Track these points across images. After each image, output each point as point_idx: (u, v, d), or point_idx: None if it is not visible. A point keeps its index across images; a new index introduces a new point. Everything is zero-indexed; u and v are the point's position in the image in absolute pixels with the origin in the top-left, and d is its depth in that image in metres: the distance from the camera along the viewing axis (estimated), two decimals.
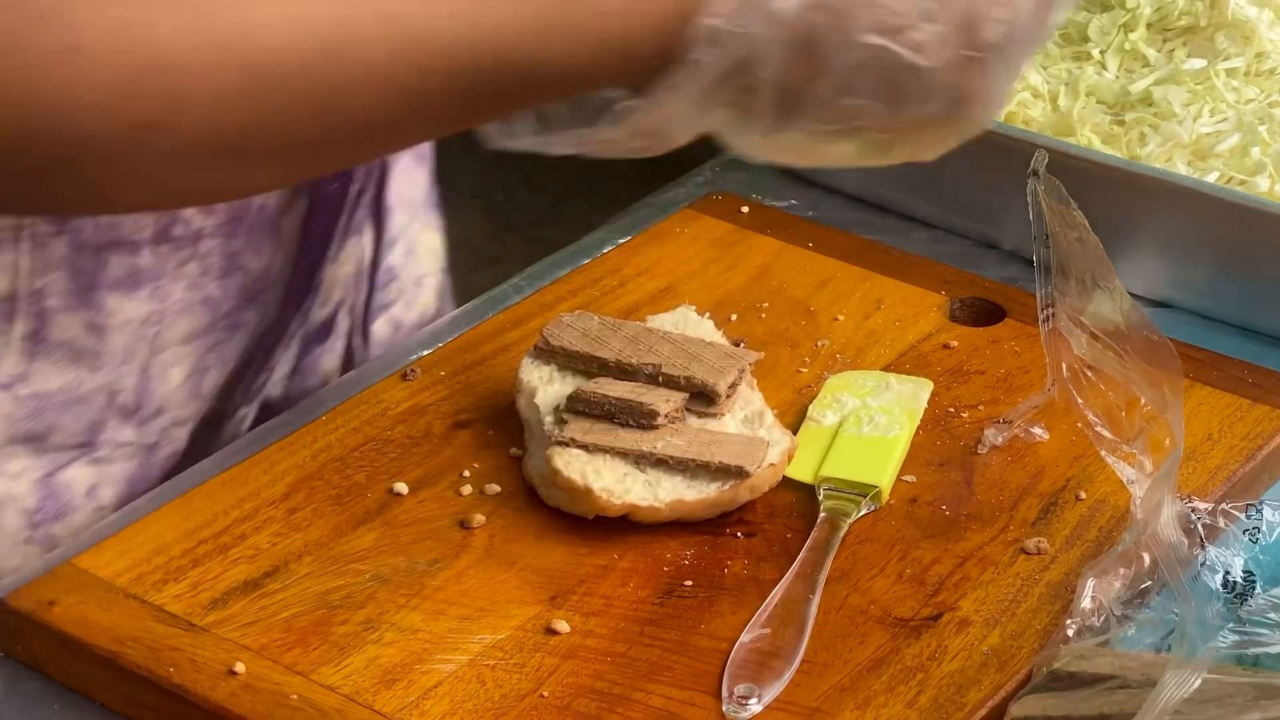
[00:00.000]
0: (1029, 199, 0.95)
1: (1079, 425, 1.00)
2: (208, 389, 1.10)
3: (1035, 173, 0.94)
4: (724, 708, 0.88)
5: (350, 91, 0.80)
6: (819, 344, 1.12)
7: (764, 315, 1.14)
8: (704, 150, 0.92)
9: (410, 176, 1.20)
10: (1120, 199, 1.16)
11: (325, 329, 1.16)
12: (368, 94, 0.80)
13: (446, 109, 0.83)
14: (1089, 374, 0.97)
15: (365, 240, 1.16)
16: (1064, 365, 0.98)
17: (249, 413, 1.14)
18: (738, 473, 0.97)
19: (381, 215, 1.17)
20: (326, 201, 1.09)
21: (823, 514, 0.98)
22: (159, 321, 1.04)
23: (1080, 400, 0.97)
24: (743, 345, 1.09)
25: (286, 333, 1.12)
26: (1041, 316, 0.99)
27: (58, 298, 1.01)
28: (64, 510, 1.06)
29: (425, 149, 1.21)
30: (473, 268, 3.51)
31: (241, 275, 1.08)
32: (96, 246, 1.00)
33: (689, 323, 1.07)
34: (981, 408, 1.07)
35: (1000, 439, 1.03)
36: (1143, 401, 0.94)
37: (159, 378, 1.06)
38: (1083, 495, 1.00)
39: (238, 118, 0.79)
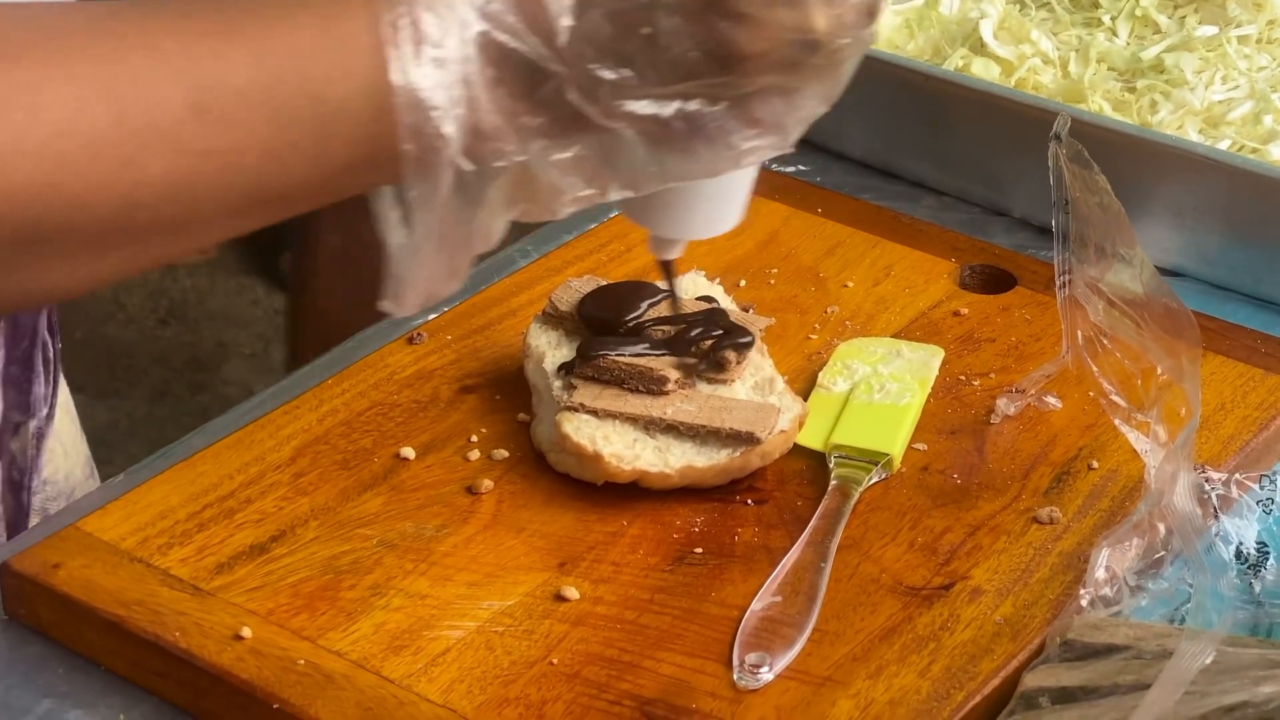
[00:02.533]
0: (1050, 163, 0.94)
1: (1092, 394, 0.99)
2: None
3: (1057, 136, 0.93)
4: (735, 676, 0.87)
5: (149, 157, 0.74)
6: (828, 310, 1.11)
7: (773, 281, 1.14)
8: None
9: None
10: (1131, 167, 1.15)
11: None
12: (168, 157, 0.75)
13: (253, 166, 0.76)
14: (1104, 341, 0.96)
15: None
16: (1079, 333, 0.97)
17: None
18: (749, 439, 0.97)
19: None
20: None
21: (834, 481, 0.98)
22: None
23: (1095, 368, 0.96)
24: (751, 311, 1.08)
25: None
26: (1058, 283, 0.98)
27: None
28: None
29: None
30: None
31: None
32: None
33: (698, 288, 1.06)
34: (993, 375, 1.06)
35: (1013, 408, 1.03)
36: (1159, 370, 0.93)
37: None
38: (1095, 465, 1.00)
39: (34, 211, 0.74)
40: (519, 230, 1.23)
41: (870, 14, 0.80)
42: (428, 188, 0.77)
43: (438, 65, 0.76)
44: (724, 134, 0.80)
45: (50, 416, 1.13)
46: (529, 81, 0.77)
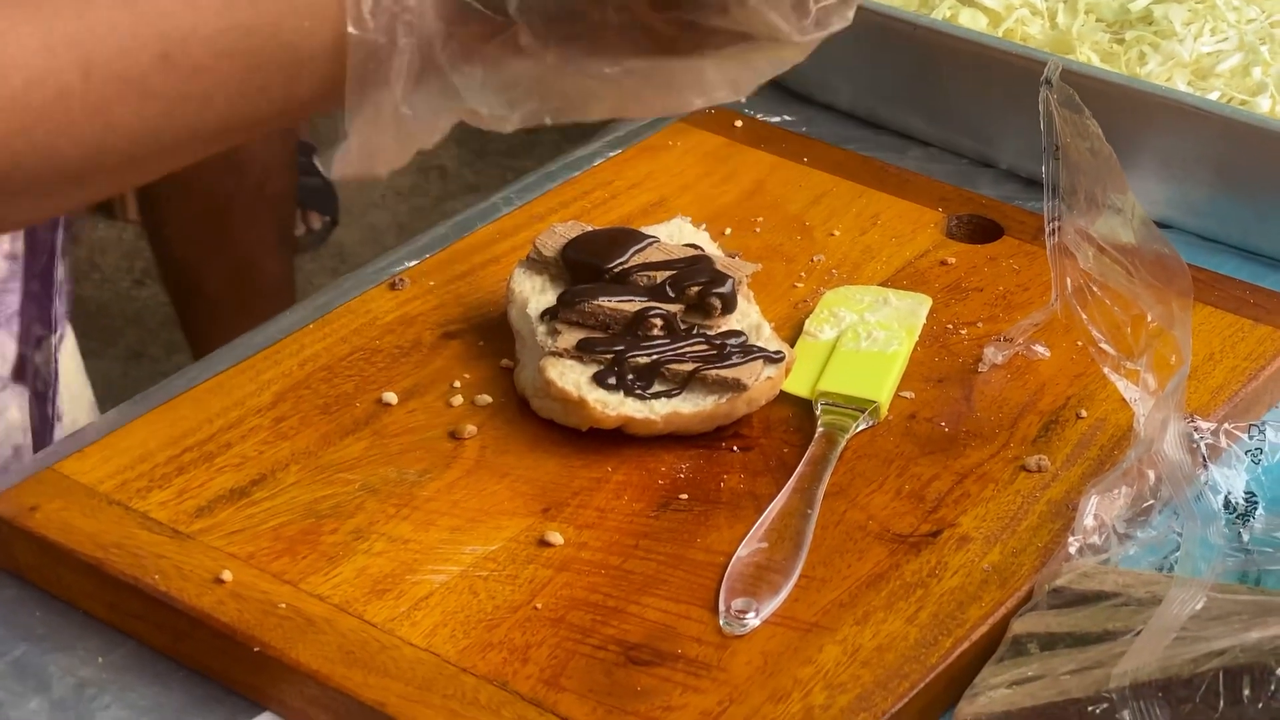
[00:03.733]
0: (1040, 108, 0.93)
1: (1081, 343, 0.99)
2: None
3: (1048, 81, 0.92)
4: (720, 622, 0.86)
5: (119, 105, 0.76)
6: (815, 259, 1.10)
7: (759, 230, 1.13)
8: None
9: None
10: (1120, 118, 1.14)
11: None
12: (137, 104, 0.76)
13: (221, 108, 0.78)
14: (1094, 289, 0.95)
15: None
16: (1068, 280, 0.97)
17: None
18: (735, 385, 0.96)
19: None
20: None
21: (820, 429, 0.97)
22: None
23: (1084, 316, 0.96)
24: (738, 258, 1.07)
25: None
26: (1048, 229, 0.97)
27: None
28: None
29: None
30: (445, 195, 3.49)
31: None
32: None
33: (684, 234, 1.05)
34: (980, 325, 1.05)
35: (1001, 357, 1.02)
36: (1149, 318, 0.92)
37: None
38: (1083, 413, 0.99)
39: (4, 158, 0.75)
40: (502, 178, 1.22)
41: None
42: (366, 117, 0.79)
43: (393, 17, 0.77)
44: (676, 89, 0.81)
45: (57, 349, 1.14)
46: (484, 32, 0.78)
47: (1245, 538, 0.92)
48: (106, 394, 2.79)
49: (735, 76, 0.81)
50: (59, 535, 0.90)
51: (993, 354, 1.02)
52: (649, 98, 0.82)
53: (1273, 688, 0.75)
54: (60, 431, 1.13)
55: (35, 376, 1.12)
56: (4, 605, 0.90)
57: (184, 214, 2.36)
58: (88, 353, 2.88)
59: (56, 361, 1.13)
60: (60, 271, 1.12)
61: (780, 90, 1.28)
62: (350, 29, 0.76)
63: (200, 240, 2.37)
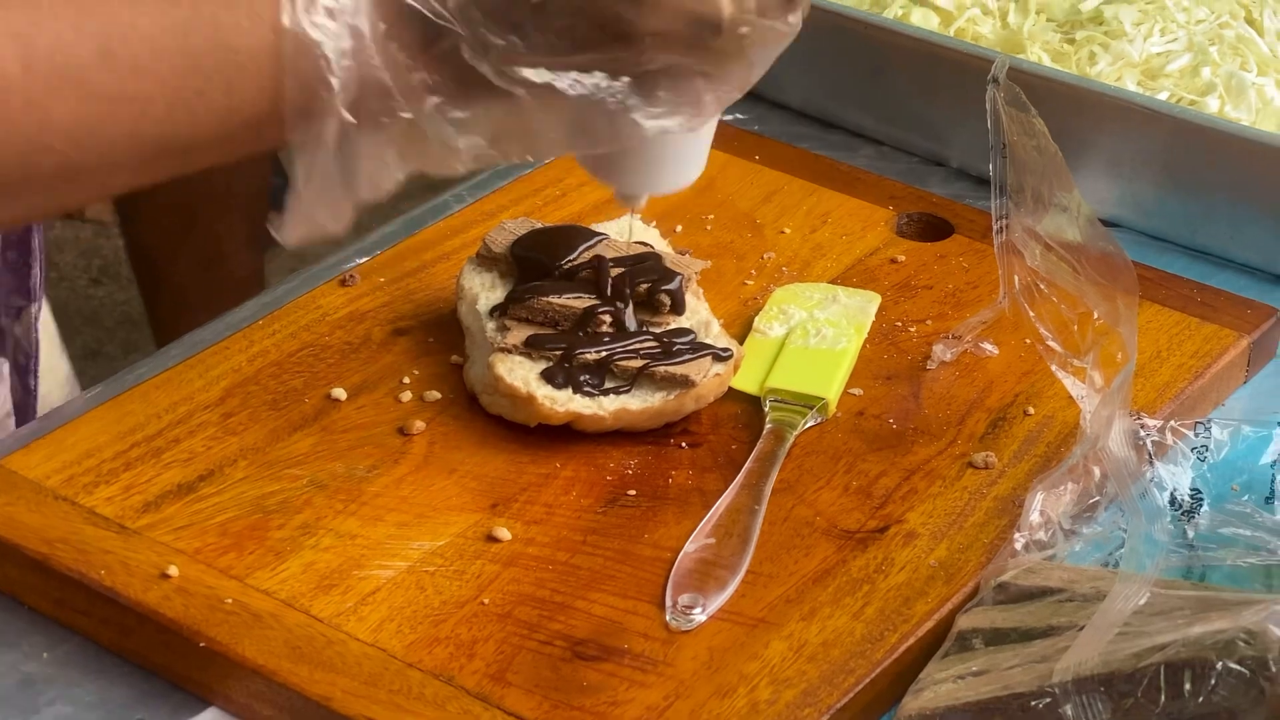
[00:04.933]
0: (988, 106, 0.94)
1: (1029, 340, 0.99)
2: None
3: (995, 80, 0.93)
4: (667, 617, 0.87)
5: (57, 101, 0.74)
6: (765, 257, 1.11)
7: (709, 227, 1.13)
8: None
9: None
10: (1070, 117, 1.15)
11: None
12: (75, 102, 0.74)
13: (161, 114, 0.76)
14: (1041, 287, 0.96)
15: None
16: (1016, 278, 0.97)
17: None
18: (683, 382, 0.96)
19: None
20: None
21: (769, 425, 0.97)
22: None
23: (1032, 313, 0.96)
24: (688, 255, 1.07)
25: None
26: (995, 228, 0.98)
27: None
28: None
29: None
30: (400, 195, 3.49)
31: None
32: None
33: (635, 232, 1.06)
34: (929, 322, 1.05)
35: (949, 354, 1.02)
36: (1095, 315, 0.93)
37: None
38: (1031, 411, 0.99)
39: None
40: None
41: (785, 2, 0.79)
42: (311, 135, 0.77)
43: (329, 15, 0.76)
44: (625, 110, 0.79)
45: (37, 319, 1.13)
46: (424, 38, 0.77)
47: (1190, 534, 0.93)
48: None
49: (689, 95, 0.80)
50: (4, 530, 0.89)
51: (941, 351, 1.02)
52: (598, 127, 0.79)
53: (1213, 682, 0.76)
54: (39, 405, 1.13)
55: (16, 349, 1.11)
56: None
57: (154, 201, 2.35)
58: None
59: (36, 332, 1.12)
60: (37, 240, 1.11)
61: None
62: (284, 22, 0.75)
63: (169, 229, 2.37)
